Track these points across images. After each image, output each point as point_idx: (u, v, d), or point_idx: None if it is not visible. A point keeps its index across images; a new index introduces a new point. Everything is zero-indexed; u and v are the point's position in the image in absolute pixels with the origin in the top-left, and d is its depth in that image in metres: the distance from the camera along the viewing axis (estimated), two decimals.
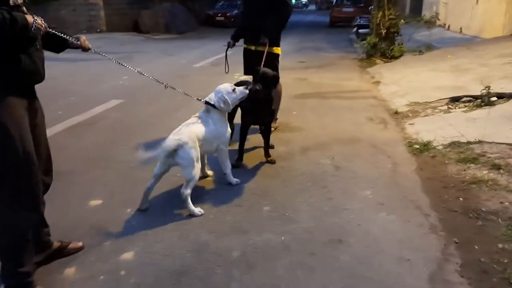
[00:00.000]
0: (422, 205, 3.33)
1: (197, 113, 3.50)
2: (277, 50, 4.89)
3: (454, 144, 4.51)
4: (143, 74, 3.37)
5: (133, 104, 6.56)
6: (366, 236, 2.91)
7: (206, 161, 3.78)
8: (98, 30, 20.48)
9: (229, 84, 3.67)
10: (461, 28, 15.24)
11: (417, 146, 4.58)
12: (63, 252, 2.62)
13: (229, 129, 3.62)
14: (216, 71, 9.75)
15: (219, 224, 3.04)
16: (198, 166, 3.19)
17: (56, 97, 6.90)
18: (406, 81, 8.03)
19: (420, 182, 3.74)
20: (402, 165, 4.14)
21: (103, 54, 2.99)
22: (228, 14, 25.59)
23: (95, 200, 3.39)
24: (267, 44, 4.63)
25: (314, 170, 4.02)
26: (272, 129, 5.11)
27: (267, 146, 4.20)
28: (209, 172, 3.84)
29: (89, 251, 2.71)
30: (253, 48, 4.95)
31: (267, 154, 4.20)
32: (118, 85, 8.12)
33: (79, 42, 2.52)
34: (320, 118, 5.85)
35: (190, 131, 3.19)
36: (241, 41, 5.12)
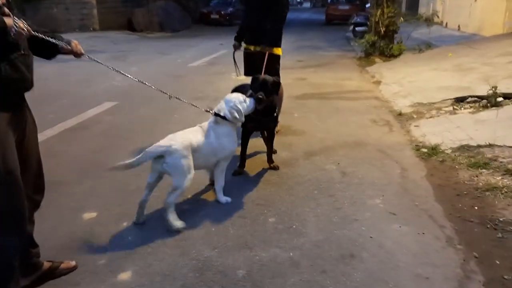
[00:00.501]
0: (436, 214, 3.16)
1: (203, 123, 3.26)
2: (278, 51, 4.71)
3: (463, 148, 4.34)
4: (145, 83, 3.13)
5: (127, 106, 6.34)
6: (379, 250, 2.73)
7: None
8: (91, 29, 20.21)
9: (240, 94, 3.45)
10: (459, 26, 15.13)
11: (425, 150, 4.41)
12: (55, 273, 2.40)
13: (235, 145, 3.37)
14: (213, 70, 9.56)
15: (222, 239, 2.84)
16: (189, 176, 2.92)
17: (47, 99, 6.66)
18: (408, 80, 7.87)
19: (431, 190, 3.57)
20: (411, 170, 3.96)
21: (98, 61, 2.77)
22: (223, 12, 25.33)
23: (89, 213, 3.17)
24: (267, 53, 4.47)
25: (320, 177, 3.83)
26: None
27: (271, 152, 4.01)
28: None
29: (83, 271, 2.50)
30: (252, 48, 4.79)
31: (270, 160, 4.00)
32: (112, 86, 7.88)
33: (69, 47, 2.30)
34: (323, 120, 5.67)
35: (184, 138, 2.95)
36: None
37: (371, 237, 2.86)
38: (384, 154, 4.38)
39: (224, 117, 3.24)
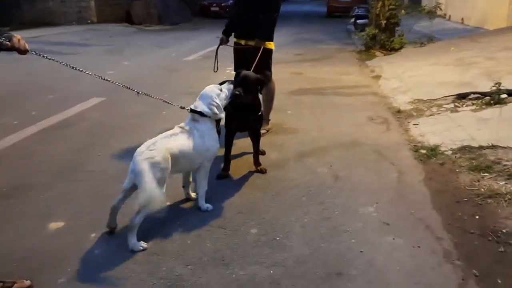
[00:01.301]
0: (433, 224, 2.90)
1: (182, 123, 2.99)
2: (270, 45, 4.45)
3: (464, 149, 4.07)
4: (109, 81, 2.90)
5: (115, 103, 6.07)
6: (369, 267, 2.47)
7: (190, 179, 3.23)
8: (89, 22, 19.96)
9: (214, 85, 3.21)
10: (462, 19, 14.78)
11: (424, 151, 4.14)
12: None
13: (218, 144, 3.11)
14: (208, 65, 9.13)
15: (198, 253, 2.59)
16: (160, 191, 2.60)
17: (33, 94, 6.42)
18: (408, 75, 7.58)
19: (429, 196, 3.31)
20: (408, 174, 3.70)
21: (47, 57, 2.54)
22: (223, 4, 24.98)
23: (56, 222, 2.91)
24: (262, 48, 4.25)
25: (310, 181, 3.58)
26: (264, 131, 4.70)
27: (257, 154, 3.75)
28: (193, 195, 3.26)
29: None
30: (243, 42, 4.55)
31: (256, 163, 3.74)
32: (102, 81, 7.60)
33: (9, 43, 2.03)
34: (318, 118, 5.40)
35: (166, 148, 2.66)
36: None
37: (361, 251, 2.61)
38: (380, 156, 4.12)
39: (201, 113, 2.99)
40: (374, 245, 2.68)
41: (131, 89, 2.93)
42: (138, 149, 2.67)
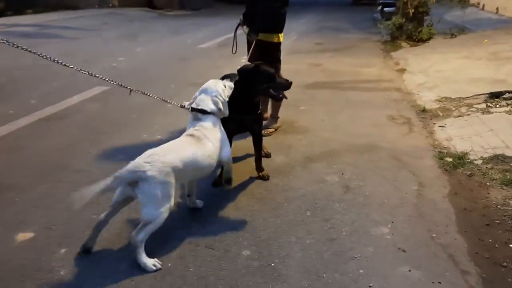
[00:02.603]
0: (458, 253, 2.47)
1: (193, 131, 2.64)
2: (273, 37, 4.06)
3: (497, 159, 3.60)
4: (97, 76, 2.58)
5: (118, 93, 5.69)
6: None
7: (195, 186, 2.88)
8: (110, 5, 19.80)
9: (217, 80, 2.91)
10: (497, 8, 13.91)
11: (450, 159, 3.68)
12: None
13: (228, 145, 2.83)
14: (222, 53, 8.88)
15: (177, 280, 2.22)
16: (166, 206, 2.29)
17: (38, 82, 6.16)
18: (435, 70, 7.02)
19: (454, 215, 2.86)
20: (430, 187, 3.25)
21: (18, 46, 2.24)
22: None
23: (24, 233, 2.58)
24: (254, 41, 3.98)
25: (317, 192, 3.16)
26: (272, 130, 4.32)
27: (259, 158, 3.35)
28: (199, 202, 2.92)
29: None
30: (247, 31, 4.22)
31: (258, 168, 3.35)
32: (111, 67, 7.32)
33: None
34: (332, 115, 4.95)
35: (165, 161, 2.29)
36: None
37: (370, 286, 2.20)
38: (399, 163, 3.67)
39: (204, 111, 2.68)
40: (385, 277, 2.26)
41: (124, 86, 2.62)
42: (136, 160, 2.30)
